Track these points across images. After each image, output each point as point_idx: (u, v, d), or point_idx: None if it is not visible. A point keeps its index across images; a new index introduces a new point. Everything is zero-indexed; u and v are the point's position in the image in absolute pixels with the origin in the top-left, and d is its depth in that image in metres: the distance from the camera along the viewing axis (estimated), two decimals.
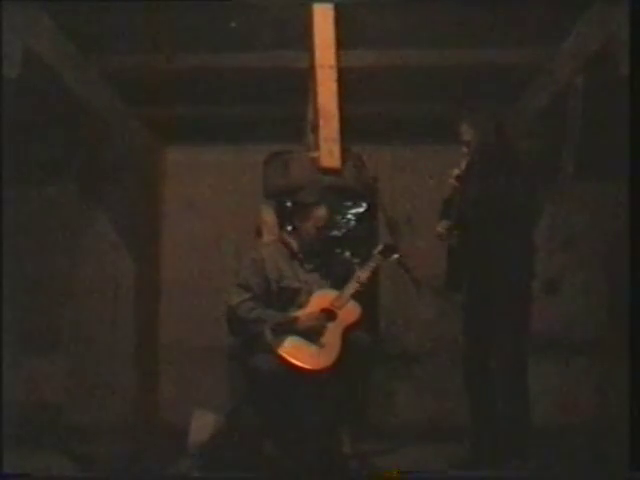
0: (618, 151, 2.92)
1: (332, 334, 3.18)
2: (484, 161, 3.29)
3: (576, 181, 3.80)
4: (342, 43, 3.60)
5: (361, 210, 4.04)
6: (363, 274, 3.34)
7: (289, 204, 3.85)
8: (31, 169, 4.43)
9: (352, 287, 3.31)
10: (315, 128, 3.68)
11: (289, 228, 3.62)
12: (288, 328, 3.18)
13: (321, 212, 3.39)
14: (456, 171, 3.29)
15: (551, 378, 4.48)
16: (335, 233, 3.87)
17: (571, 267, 4.72)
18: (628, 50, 2.91)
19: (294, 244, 3.43)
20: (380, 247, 3.47)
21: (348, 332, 3.21)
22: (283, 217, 3.84)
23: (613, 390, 4.27)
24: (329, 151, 3.63)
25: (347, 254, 4.02)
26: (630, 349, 2.71)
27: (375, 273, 3.41)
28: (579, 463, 3.20)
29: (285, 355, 3.10)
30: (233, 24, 3.64)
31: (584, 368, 4.67)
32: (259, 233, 3.89)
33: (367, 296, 3.42)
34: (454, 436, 3.70)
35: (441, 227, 3.37)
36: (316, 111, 3.66)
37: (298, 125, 3.96)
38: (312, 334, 3.17)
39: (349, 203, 4.07)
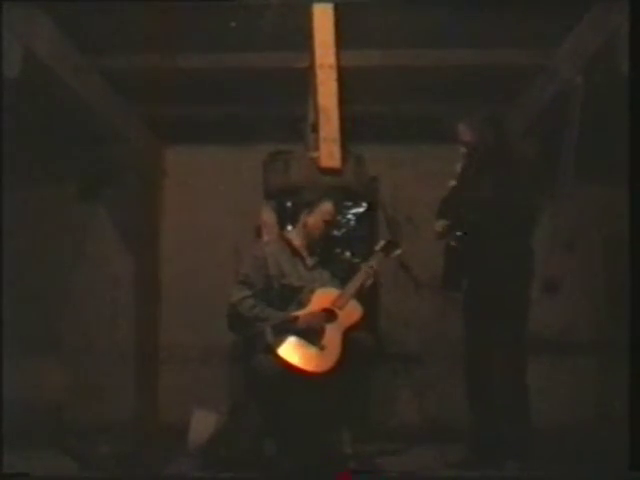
0: (618, 151, 2.92)
1: (333, 336, 3.18)
2: (483, 161, 3.30)
3: (576, 181, 3.79)
4: (342, 43, 3.60)
5: (361, 210, 4.04)
6: (364, 272, 3.34)
7: (289, 204, 3.85)
8: (31, 169, 4.44)
9: (354, 286, 3.31)
10: (315, 128, 3.67)
11: (290, 228, 3.63)
12: (288, 328, 3.18)
13: (327, 206, 3.42)
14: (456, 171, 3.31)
15: (551, 378, 4.48)
16: (335, 233, 3.87)
17: (571, 267, 4.72)
18: (628, 50, 2.92)
19: (296, 241, 3.44)
20: (382, 243, 3.48)
21: (349, 333, 3.20)
22: (283, 217, 3.84)
23: (613, 390, 4.27)
24: (329, 151, 3.63)
25: (347, 254, 4.01)
26: (630, 349, 2.71)
27: (376, 271, 3.41)
28: (579, 463, 3.20)
29: (285, 357, 3.10)
30: (233, 24, 3.64)
31: (584, 368, 4.66)
32: (259, 233, 3.89)
33: (367, 296, 3.42)
34: (454, 436, 3.70)
35: (439, 226, 3.38)
36: (316, 111, 3.66)
37: (298, 125, 3.96)
38: (312, 335, 3.17)
39: (349, 203, 4.06)
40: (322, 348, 3.15)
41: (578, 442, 3.64)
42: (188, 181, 5.10)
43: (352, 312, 3.26)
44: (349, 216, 4.07)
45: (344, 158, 3.67)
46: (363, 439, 3.50)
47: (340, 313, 3.24)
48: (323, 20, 3.56)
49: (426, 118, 4.56)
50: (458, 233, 3.29)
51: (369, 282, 3.37)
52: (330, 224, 3.48)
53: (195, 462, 3.45)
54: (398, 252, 3.46)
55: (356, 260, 3.80)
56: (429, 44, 3.90)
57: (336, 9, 3.54)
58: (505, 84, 4.16)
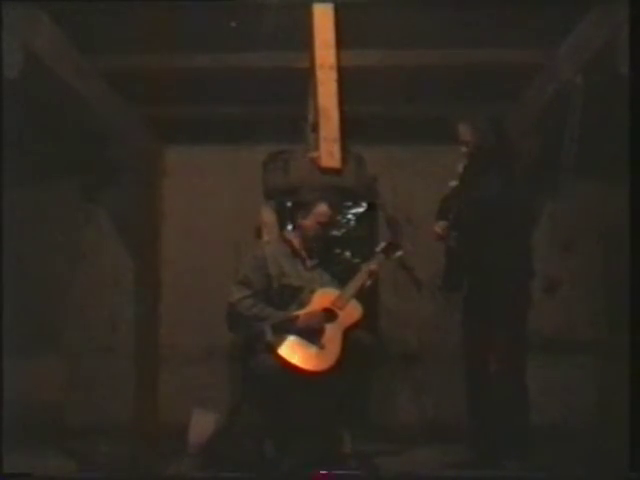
0: (618, 151, 2.92)
1: (333, 335, 3.18)
2: (483, 161, 3.30)
3: (576, 181, 3.80)
4: (342, 43, 3.60)
5: (361, 210, 4.04)
6: (365, 273, 3.34)
7: (289, 204, 3.85)
8: (31, 169, 4.43)
9: (354, 286, 3.31)
10: (315, 128, 3.67)
11: (290, 228, 3.63)
12: (288, 327, 3.18)
13: (322, 208, 3.41)
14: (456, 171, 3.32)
15: (551, 378, 4.48)
16: (335, 233, 3.86)
17: (571, 267, 4.72)
18: (628, 50, 2.92)
19: (296, 242, 3.44)
20: (383, 245, 3.48)
21: (349, 332, 3.20)
22: (283, 217, 3.84)
23: (613, 390, 4.27)
24: (329, 151, 3.62)
25: (347, 254, 4.01)
26: (630, 349, 2.71)
27: (377, 272, 3.42)
28: (579, 463, 3.20)
29: (285, 356, 3.10)
30: (233, 24, 3.64)
31: (584, 368, 4.67)
32: (259, 234, 3.89)
33: (367, 296, 3.42)
34: (454, 436, 3.71)
35: (439, 227, 3.39)
36: (316, 111, 3.65)
37: (298, 125, 3.96)
38: (312, 334, 3.17)
39: (349, 203, 4.05)
40: (322, 347, 3.15)
41: (578, 442, 3.64)
42: (188, 181, 5.10)
43: (352, 312, 3.26)
44: (349, 216, 4.07)
45: (344, 158, 3.67)
46: (363, 439, 3.50)
47: (340, 313, 3.24)
48: (323, 20, 3.55)
49: (426, 118, 4.56)
50: (454, 233, 3.30)
51: (369, 283, 3.37)
52: (325, 226, 3.48)
53: (195, 462, 3.45)
54: (399, 254, 3.46)
55: (356, 260, 3.80)
56: (429, 44, 3.90)
57: (336, 9, 3.54)
58: (505, 84, 4.15)
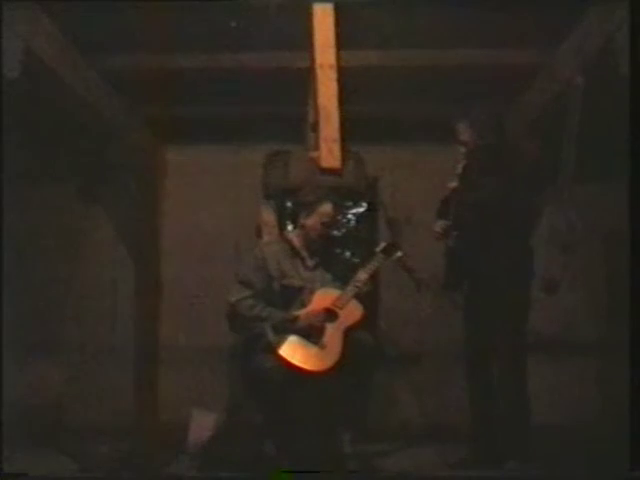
0: (618, 151, 2.92)
1: (333, 335, 3.17)
2: (483, 161, 3.30)
3: (576, 181, 3.80)
4: (342, 43, 3.60)
5: (361, 210, 4.03)
6: (365, 273, 3.34)
7: (289, 204, 3.85)
8: (31, 169, 4.44)
9: (354, 286, 3.30)
10: (315, 128, 3.67)
11: (290, 227, 3.63)
12: (288, 327, 3.17)
13: (326, 208, 3.41)
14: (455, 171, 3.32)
15: (551, 378, 4.48)
16: (335, 233, 3.86)
17: (571, 267, 4.71)
18: (628, 50, 2.92)
19: (297, 242, 3.44)
20: (382, 245, 3.47)
21: (349, 332, 3.20)
22: (283, 217, 3.84)
23: (613, 390, 4.27)
24: (329, 151, 3.63)
25: (347, 254, 4.01)
26: (630, 349, 2.71)
27: (376, 272, 3.42)
28: (579, 463, 3.20)
29: (285, 356, 3.10)
30: (233, 24, 3.64)
31: (584, 368, 4.67)
32: (259, 234, 3.89)
33: (367, 296, 3.42)
34: (454, 436, 3.71)
35: (438, 227, 3.39)
36: (316, 111, 3.65)
37: (298, 125, 3.96)
38: (312, 334, 3.16)
39: (349, 203, 4.05)
40: (322, 347, 3.14)
41: (578, 442, 3.64)
42: (188, 181, 5.10)
43: (353, 312, 3.26)
44: (349, 216, 4.07)
45: (344, 158, 3.67)
46: (363, 439, 3.50)
47: (341, 313, 3.23)
48: (323, 20, 3.56)
49: (426, 118, 4.56)
50: (454, 233, 3.30)
51: (369, 283, 3.37)
52: (329, 226, 3.48)
53: (195, 462, 3.45)
54: (399, 254, 3.46)
55: (356, 260, 3.79)
56: (429, 44, 3.90)
57: (336, 9, 3.54)
58: (505, 84, 4.15)
